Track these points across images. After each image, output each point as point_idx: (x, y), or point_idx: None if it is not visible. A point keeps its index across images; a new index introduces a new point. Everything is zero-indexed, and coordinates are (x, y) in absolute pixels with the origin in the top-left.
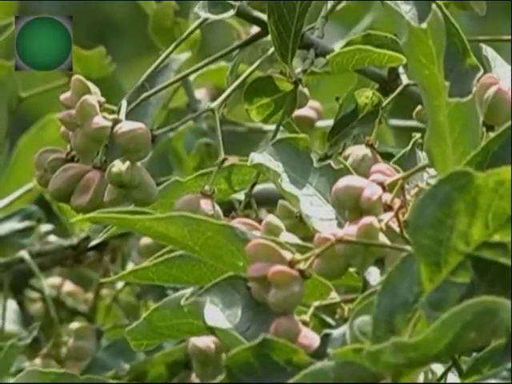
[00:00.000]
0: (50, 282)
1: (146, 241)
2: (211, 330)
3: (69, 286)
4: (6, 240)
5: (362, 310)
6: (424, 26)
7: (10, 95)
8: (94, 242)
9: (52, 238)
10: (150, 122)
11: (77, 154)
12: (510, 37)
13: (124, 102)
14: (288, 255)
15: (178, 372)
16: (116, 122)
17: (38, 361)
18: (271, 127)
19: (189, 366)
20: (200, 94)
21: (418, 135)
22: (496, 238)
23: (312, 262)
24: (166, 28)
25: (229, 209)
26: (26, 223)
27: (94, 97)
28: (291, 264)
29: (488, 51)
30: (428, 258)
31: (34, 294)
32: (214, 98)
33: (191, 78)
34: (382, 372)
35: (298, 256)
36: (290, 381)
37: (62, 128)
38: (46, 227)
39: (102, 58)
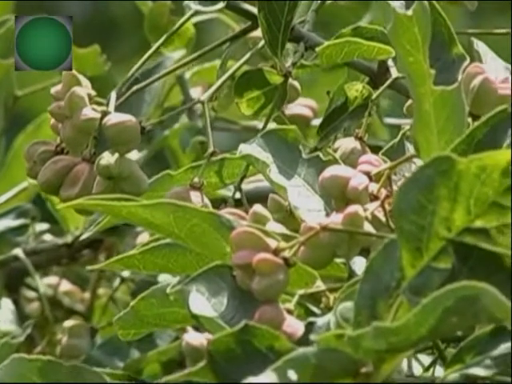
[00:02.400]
0: (47, 282)
1: (142, 239)
2: (196, 319)
3: (65, 286)
4: (1, 238)
5: (346, 297)
6: (409, 13)
7: (5, 93)
8: (85, 235)
9: (47, 236)
10: (143, 119)
11: (66, 146)
12: (504, 31)
13: (113, 94)
14: (273, 243)
15: (173, 370)
16: (105, 113)
17: None
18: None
19: (183, 364)
20: (195, 92)
21: (407, 127)
22: (478, 223)
23: (297, 250)
24: (161, 27)
25: (221, 204)
26: (21, 221)
27: (84, 89)
28: (276, 252)
29: (479, 45)
30: (410, 243)
31: (31, 294)
32: None
33: (186, 76)
34: (364, 358)
35: (283, 244)
36: (272, 367)
37: (52, 120)
38: (41, 226)
39: (97, 56)
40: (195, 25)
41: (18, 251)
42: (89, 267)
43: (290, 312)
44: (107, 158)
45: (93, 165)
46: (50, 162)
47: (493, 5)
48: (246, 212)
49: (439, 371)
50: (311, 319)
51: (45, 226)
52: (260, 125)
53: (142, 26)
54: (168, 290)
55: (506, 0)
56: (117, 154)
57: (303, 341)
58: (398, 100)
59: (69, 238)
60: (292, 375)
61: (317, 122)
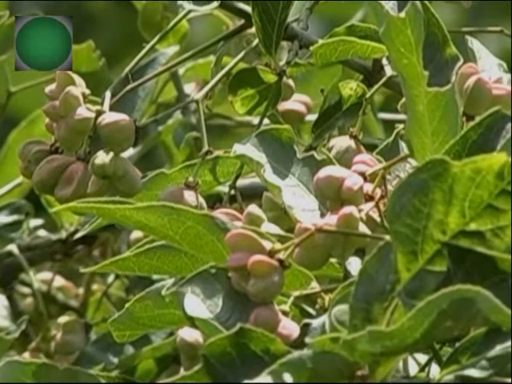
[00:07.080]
0: (41, 277)
1: (136, 235)
2: (191, 320)
3: (60, 281)
4: None
5: (342, 299)
6: (402, 15)
7: None
8: (79, 234)
9: (41, 232)
10: (138, 115)
11: (60, 145)
12: (497, 28)
13: (108, 94)
14: (268, 245)
15: (167, 366)
16: (99, 113)
17: (26, 355)
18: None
19: (177, 360)
20: (189, 88)
21: (401, 126)
22: (472, 226)
23: (291, 252)
24: (155, 23)
25: (217, 201)
26: (15, 217)
27: (78, 88)
28: (271, 254)
29: (473, 43)
30: (405, 246)
31: (25, 289)
32: None
33: (180, 72)
34: (359, 361)
35: (278, 246)
36: (267, 370)
37: (47, 120)
38: (35, 222)
39: (91, 52)
40: (189, 20)
41: (12, 247)
42: (82, 270)
43: (285, 314)
44: (102, 158)
45: (87, 164)
46: (45, 162)
47: (493, 7)
48: (241, 210)
49: (435, 368)
50: (306, 321)
51: (39, 221)
52: (255, 120)
53: (131, 20)
54: (163, 292)
55: (506, 0)
56: (111, 153)
57: (299, 343)
58: (391, 95)
59: (63, 234)
60: (287, 378)
61: (311, 117)
